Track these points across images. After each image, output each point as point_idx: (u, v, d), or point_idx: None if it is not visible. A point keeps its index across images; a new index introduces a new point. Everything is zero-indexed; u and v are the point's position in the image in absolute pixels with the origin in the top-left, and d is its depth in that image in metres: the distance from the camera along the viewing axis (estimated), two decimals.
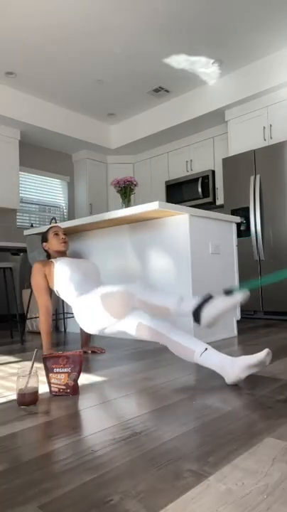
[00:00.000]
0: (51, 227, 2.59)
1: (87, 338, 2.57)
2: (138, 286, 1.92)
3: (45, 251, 2.60)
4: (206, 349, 1.70)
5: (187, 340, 1.74)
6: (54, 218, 5.27)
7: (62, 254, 2.54)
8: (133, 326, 1.87)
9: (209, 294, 1.80)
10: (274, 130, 4.28)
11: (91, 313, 2.01)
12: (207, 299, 1.76)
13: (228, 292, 1.82)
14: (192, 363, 1.77)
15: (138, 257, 2.99)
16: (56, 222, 5.09)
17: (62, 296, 2.31)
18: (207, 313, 1.71)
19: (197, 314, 1.72)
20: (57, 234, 2.52)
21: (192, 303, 1.79)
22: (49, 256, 2.60)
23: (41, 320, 2.35)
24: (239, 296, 1.73)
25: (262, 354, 1.58)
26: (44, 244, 2.58)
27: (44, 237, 2.58)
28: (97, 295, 2.01)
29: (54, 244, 2.52)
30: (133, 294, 1.88)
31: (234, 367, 1.62)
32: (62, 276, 2.28)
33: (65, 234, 2.56)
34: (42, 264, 2.39)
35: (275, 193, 3.99)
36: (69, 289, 2.24)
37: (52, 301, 3.21)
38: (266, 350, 1.59)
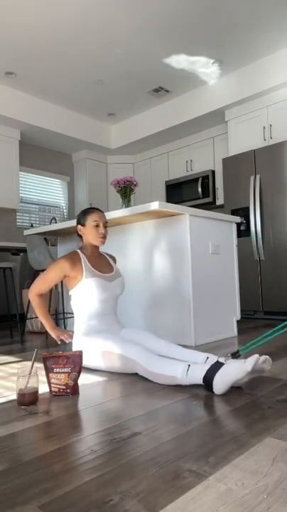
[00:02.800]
0: (93, 211, 2.23)
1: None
2: (142, 353, 1.81)
3: (78, 235, 2.28)
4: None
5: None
6: (54, 218, 5.28)
7: (95, 249, 2.26)
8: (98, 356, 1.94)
9: (218, 361, 1.68)
10: (274, 130, 4.28)
11: (89, 354, 2.01)
12: (217, 366, 1.60)
13: (235, 355, 1.78)
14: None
15: (138, 257, 2.99)
16: (56, 222, 5.09)
17: (73, 304, 2.18)
18: (221, 382, 1.54)
19: (208, 383, 1.58)
20: (98, 225, 2.19)
21: (200, 371, 1.62)
22: (80, 237, 2.29)
23: (35, 304, 2.12)
24: (250, 364, 1.51)
25: (249, 366, 1.50)
26: (79, 227, 2.24)
27: (82, 219, 2.23)
28: (98, 348, 1.96)
29: (91, 235, 2.19)
30: (137, 362, 1.81)
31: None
32: (85, 298, 2.12)
33: (106, 226, 2.25)
34: (71, 263, 2.09)
35: (275, 193, 3.99)
36: (83, 311, 2.14)
37: (53, 299, 3.15)
38: (253, 361, 1.50)
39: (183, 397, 1.52)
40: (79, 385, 1.68)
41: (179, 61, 4.21)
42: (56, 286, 4.28)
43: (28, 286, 4.57)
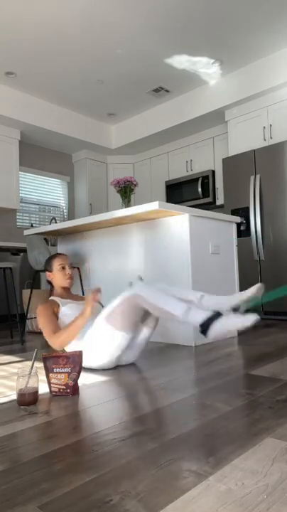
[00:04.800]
0: (56, 256, 2.39)
1: None
2: (142, 286, 1.89)
3: (48, 282, 2.42)
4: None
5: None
6: (54, 218, 5.28)
7: (66, 290, 2.37)
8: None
9: (219, 311, 1.77)
10: (274, 130, 4.28)
11: (104, 341, 1.95)
12: (216, 315, 1.73)
13: (236, 309, 1.86)
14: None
15: (138, 257, 2.99)
16: (56, 222, 5.09)
17: None
18: (215, 330, 1.71)
19: (204, 328, 1.73)
20: (63, 268, 2.34)
21: (200, 316, 1.75)
22: (51, 286, 2.43)
23: (62, 338, 1.99)
24: (249, 320, 1.69)
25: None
26: (47, 273, 2.39)
27: (49, 266, 2.38)
28: (101, 321, 1.95)
29: (59, 278, 2.33)
30: (140, 295, 1.85)
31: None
32: (66, 323, 2.15)
33: (71, 267, 2.39)
34: (49, 303, 2.18)
35: (275, 193, 3.99)
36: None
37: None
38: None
39: (183, 397, 1.52)
40: (79, 385, 1.68)
41: (180, 61, 4.21)
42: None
43: (28, 287, 4.57)
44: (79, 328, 1.96)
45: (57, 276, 2.34)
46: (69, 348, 2.08)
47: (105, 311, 1.97)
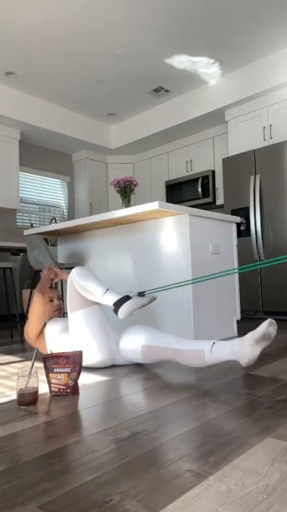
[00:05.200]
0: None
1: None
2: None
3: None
4: (214, 343, 1.73)
5: (192, 344, 1.77)
6: (54, 218, 5.27)
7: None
8: (137, 351, 1.95)
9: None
10: (274, 130, 4.28)
11: (85, 331, 2.03)
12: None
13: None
14: (204, 366, 1.76)
15: (138, 257, 2.99)
16: (56, 222, 5.09)
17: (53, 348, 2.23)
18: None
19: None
20: (51, 301, 2.34)
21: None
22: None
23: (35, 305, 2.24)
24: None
25: (264, 325, 1.63)
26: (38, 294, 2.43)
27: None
28: (139, 344, 1.98)
29: (47, 310, 2.33)
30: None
31: (243, 346, 1.64)
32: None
33: (60, 298, 2.39)
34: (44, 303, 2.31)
35: (275, 193, 3.99)
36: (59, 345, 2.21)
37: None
38: (267, 321, 1.63)
39: (183, 397, 1.52)
40: (79, 385, 1.68)
41: (180, 61, 4.21)
42: (56, 285, 4.28)
43: (28, 287, 4.57)
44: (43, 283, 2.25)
45: (46, 308, 2.34)
46: (54, 346, 2.17)
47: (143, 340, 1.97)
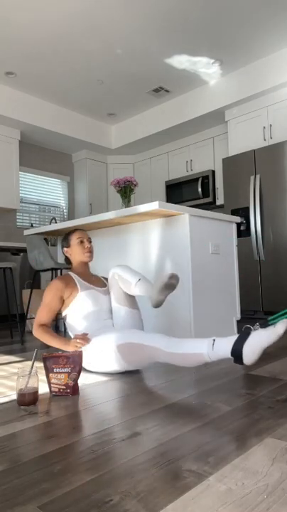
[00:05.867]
0: (75, 231, 2.31)
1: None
2: (161, 337, 1.74)
3: (65, 257, 2.34)
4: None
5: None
6: (54, 218, 5.28)
7: (84, 265, 2.30)
8: (113, 352, 1.83)
9: (247, 329, 1.65)
10: (274, 130, 4.28)
11: (104, 357, 1.88)
12: (245, 335, 1.58)
13: (265, 325, 1.79)
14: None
15: (138, 257, 2.99)
16: (56, 222, 5.09)
17: (68, 325, 2.16)
18: (251, 352, 1.54)
19: (237, 355, 1.56)
20: (82, 242, 2.26)
21: (227, 343, 1.60)
22: (68, 261, 2.35)
23: (39, 335, 2.04)
24: (281, 327, 1.53)
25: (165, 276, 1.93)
26: (65, 249, 2.30)
27: (66, 240, 2.30)
28: (112, 343, 1.85)
29: (78, 252, 2.25)
30: (158, 348, 1.71)
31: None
32: (81, 311, 2.12)
33: (90, 241, 2.30)
34: (64, 283, 2.12)
35: (275, 193, 3.99)
36: (82, 325, 2.11)
37: None
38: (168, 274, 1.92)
39: (183, 397, 1.52)
40: (79, 385, 1.68)
41: (180, 61, 4.21)
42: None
43: (28, 287, 4.57)
44: (53, 345, 2.00)
45: (76, 251, 2.25)
46: (69, 327, 2.15)
47: (121, 339, 1.83)
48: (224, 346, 1.59)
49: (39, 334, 2.04)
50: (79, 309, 2.12)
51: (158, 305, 2.01)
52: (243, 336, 1.57)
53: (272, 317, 1.82)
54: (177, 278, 2.01)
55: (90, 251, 2.27)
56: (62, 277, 2.16)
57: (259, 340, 1.53)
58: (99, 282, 2.31)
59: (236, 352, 1.55)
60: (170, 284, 1.99)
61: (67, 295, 2.12)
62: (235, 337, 1.59)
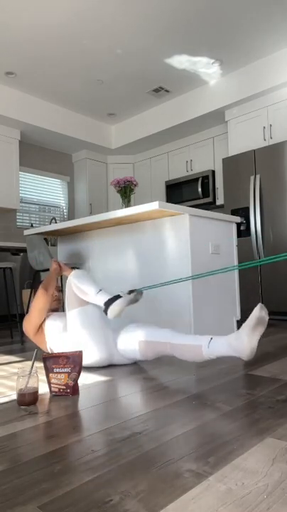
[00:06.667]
0: None
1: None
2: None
3: None
4: (211, 338, 1.72)
5: (190, 339, 1.77)
6: (54, 218, 5.28)
7: (54, 310, 2.42)
8: (135, 347, 1.95)
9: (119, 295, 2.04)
10: (274, 130, 4.28)
11: (129, 348, 2.02)
12: (115, 298, 2.00)
13: (131, 292, 2.08)
14: (202, 361, 1.77)
15: (138, 257, 2.99)
16: (56, 222, 5.09)
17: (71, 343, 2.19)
18: (113, 307, 1.99)
19: (105, 309, 2.00)
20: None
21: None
22: None
23: (38, 299, 2.21)
24: (256, 310, 1.62)
25: (256, 311, 1.61)
26: None
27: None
28: (136, 339, 1.97)
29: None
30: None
31: (241, 339, 1.61)
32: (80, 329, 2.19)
33: (59, 290, 2.40)
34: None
35: (275, 193, 3.99)
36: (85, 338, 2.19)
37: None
38: (258, 306, 1.61)
39: (183, 397, 1.52)
40: (79, 385, 1.68)
41: (180, 61, 4.21)
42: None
43: (28, 287, 4.57)
44: (50, 286, 2.21)
45: (49, 301, 2.35)
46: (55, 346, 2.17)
47: (141, 335, 1.98)
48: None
49: (30, 316, 2.20)
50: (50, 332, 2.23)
51: (252, 354, 1.66)
52: (113, 298, 2.01)
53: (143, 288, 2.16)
54: (266, 310, 1.71)
55: (58, 299, 2.41)
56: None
57: (123, 300, 2.00)
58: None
59: (107, 306, 2.01)
60: (262, 319, 1.63)
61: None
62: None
